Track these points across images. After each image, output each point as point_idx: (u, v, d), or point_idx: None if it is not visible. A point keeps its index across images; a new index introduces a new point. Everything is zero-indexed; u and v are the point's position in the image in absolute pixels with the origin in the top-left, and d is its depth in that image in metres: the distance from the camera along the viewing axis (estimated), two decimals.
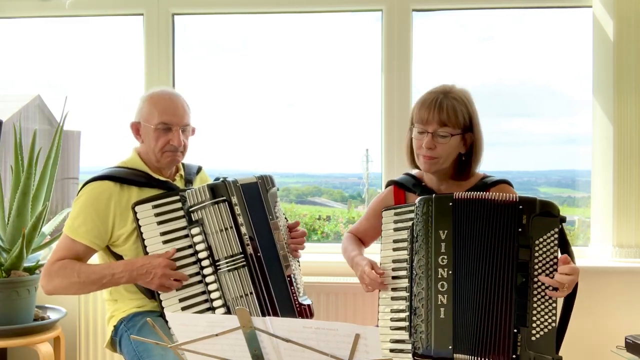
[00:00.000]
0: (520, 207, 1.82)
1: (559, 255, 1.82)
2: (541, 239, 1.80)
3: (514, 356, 1.75)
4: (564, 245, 1.87)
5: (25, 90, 3.44)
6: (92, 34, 3.30)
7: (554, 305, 1.78)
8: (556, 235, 1.81)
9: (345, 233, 2.34)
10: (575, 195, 3.30)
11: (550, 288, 1.78)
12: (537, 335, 1.76)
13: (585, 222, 3.12)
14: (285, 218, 2.22)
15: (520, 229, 1.81)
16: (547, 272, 1.80)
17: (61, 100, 2.81)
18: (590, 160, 2.98)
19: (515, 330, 1.77)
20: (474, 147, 2.03)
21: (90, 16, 3.20)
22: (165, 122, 2.07)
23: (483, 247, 1.84)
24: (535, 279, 1.79)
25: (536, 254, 1.80)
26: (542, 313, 1.77)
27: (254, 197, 2.09)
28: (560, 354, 1.85)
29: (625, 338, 2.39)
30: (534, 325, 1.77)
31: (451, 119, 1.95)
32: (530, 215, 1.81)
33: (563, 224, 1.84)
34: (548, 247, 1.80)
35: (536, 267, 1.80)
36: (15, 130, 2.76)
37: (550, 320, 1.77)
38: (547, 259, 1.80)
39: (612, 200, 2.81)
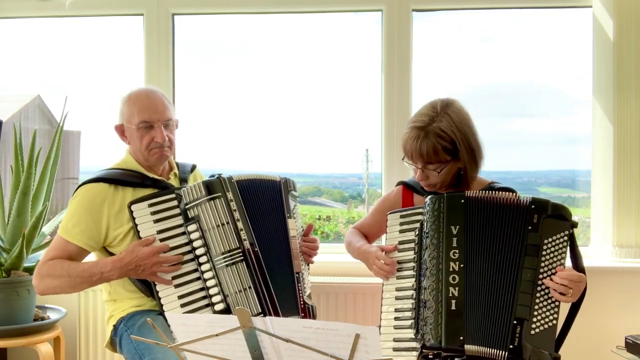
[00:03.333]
0: (533, 206, 1.86)
1: (566, 257, 1.85)
2: (550, 239, 1.84)
3: (511, 346, 1.77)
4: (573, 251, 1.91)
5: (25, 90, 3.44)
6: (92, 34, 3.30)
7: (557, 303, 1.81)
8: (565, 238, 1.85)
9: (349, 228, 2.35)
10: (575, 195, 3.30)
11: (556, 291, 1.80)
12: (537, 330, 1.78)
13: (585, 222, 3.12)
14: (302, 227, 2.23)
15: (530, 227, 1.85)
16: (553, 272, 1.82)
17: (61, 100, 2.82)
18: (590, 160, 2.98)
19: (514, 322, 1.79)
20: (468, 164, 2.01)
21: (90, 16, 3.20)
22: (146, 120, 2.08)
23: (494, 242, 1.87)
24: (540, 276, 1.82)
25: (544, 252, 1.83)
26: (545, 309, 1.80)
27: (260, 194, 2.10)
28: (560, 353, 1.86)
29: (625, 338, 2.39)
30: (534, 320, 1.79)
31: (432, 159, 1.97)
32: (541, 216, 1.85)
33: (574, 229, 1.88)
34: (556, 247, 1.84)
35: (542, 264, 1.83)
36: (15, 130, 2.76)
37: (552, 317, 1.79)
38: (554, 259, 1.83)
39: (612, 200, 2.82)
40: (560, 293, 1.80)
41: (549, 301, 1.80)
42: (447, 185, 2.08)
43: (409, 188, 2.21)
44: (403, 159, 2.07)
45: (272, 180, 2.15)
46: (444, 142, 1.95)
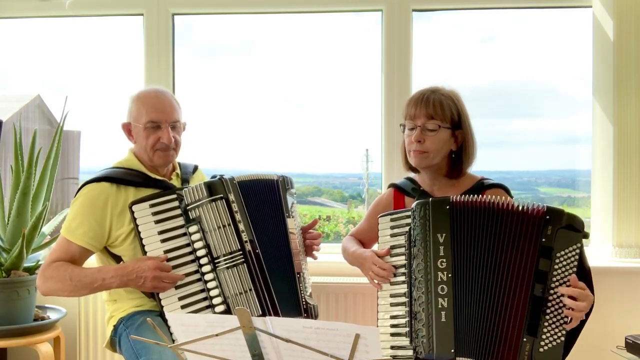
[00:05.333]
0: (548, 217, 1.79)
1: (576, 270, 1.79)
2: (563, 252, 1.77)
3: None
4: (582, 262, 1.82)
5: (25, 90, 3.44)
6: (92, 34, 3.30)
7: (565, 319, 1.76)
8: (577, 251, 1.78)
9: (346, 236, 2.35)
10: (575, 195, 3.30)
11: (567, 303, 1.75)
12: (546, 347, 1.74)
13: (585, 222, 3.12)
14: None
15: (544, 239, 1.78)
16: (564, 286, 1.77)
17: (61, 100, 2.82)
18: (590, 160, 2.98)
19: (524, 339, 1.75)
20: (465, 145, 2.06)
21: (90, 16, 3.20)
22: (154, 119, 2.08)
23: (491, 251, 1.81)
24: (552, 291, 1.76)
25: (555, 267, 1.77)
26: (554, 326, 1.75)
27: (260, 194, 2.10)
28: None
29: (625, 338, 2.39)
30: (544, 337, 1.75)
31: (437, 111, 2.00)
32: (555, 227, 1.78)
33: (584, 239, 1.81)
34: (568, 260, 1.77)
35: (554, 279, 1.77)
36: (15, 130, 2.76)
37: (560, 334, 1.75)
38: (566, 273, 1.77)
39: (612, 200, 2.81)
40: (568, 308, 1.74)
41: (558, 317, 1.75)
42: (440, 169, 2.07)
43: (400, 191, 2.18)
44: (401, 124, 2.11)
45: (269, 180, 2.15)
46: (451, 103, 2.03)
